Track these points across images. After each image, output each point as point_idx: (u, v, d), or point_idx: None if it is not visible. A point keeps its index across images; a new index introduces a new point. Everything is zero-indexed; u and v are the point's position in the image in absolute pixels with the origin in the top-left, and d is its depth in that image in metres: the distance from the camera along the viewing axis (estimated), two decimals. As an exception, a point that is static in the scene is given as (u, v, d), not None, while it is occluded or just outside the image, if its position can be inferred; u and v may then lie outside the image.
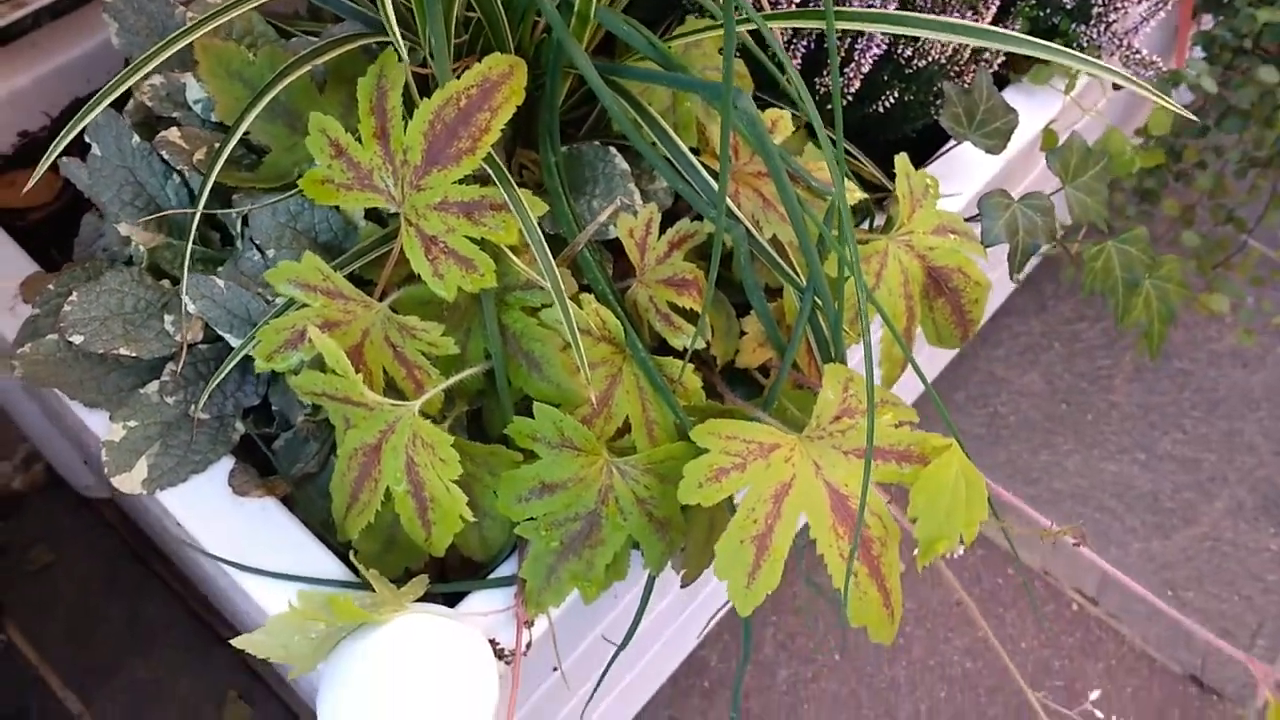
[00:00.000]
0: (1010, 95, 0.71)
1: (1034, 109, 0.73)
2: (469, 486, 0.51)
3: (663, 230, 0.53)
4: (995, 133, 0.63)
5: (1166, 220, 1.06)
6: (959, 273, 0.57)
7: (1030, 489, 1.09)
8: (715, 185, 0.50)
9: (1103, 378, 1.17)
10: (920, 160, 0.69)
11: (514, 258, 0.49)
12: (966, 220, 0.59)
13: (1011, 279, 0.62)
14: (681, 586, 0.58)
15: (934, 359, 1.08)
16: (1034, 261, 1.10)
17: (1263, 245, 1.21)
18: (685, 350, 0.51)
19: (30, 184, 0.53)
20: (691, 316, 0.53)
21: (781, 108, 0.59)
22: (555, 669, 0.60)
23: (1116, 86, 0.78)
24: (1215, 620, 1.02)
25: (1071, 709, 0.97)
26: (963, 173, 0.68)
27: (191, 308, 0.52)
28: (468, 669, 0.48)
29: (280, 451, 0.58)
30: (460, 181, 0.48)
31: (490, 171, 0.48)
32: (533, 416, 0.49)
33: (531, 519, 0.50)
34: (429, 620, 0.49)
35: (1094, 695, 0.61)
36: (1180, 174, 1.01)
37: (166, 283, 0.56)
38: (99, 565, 1.00)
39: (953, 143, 0.70)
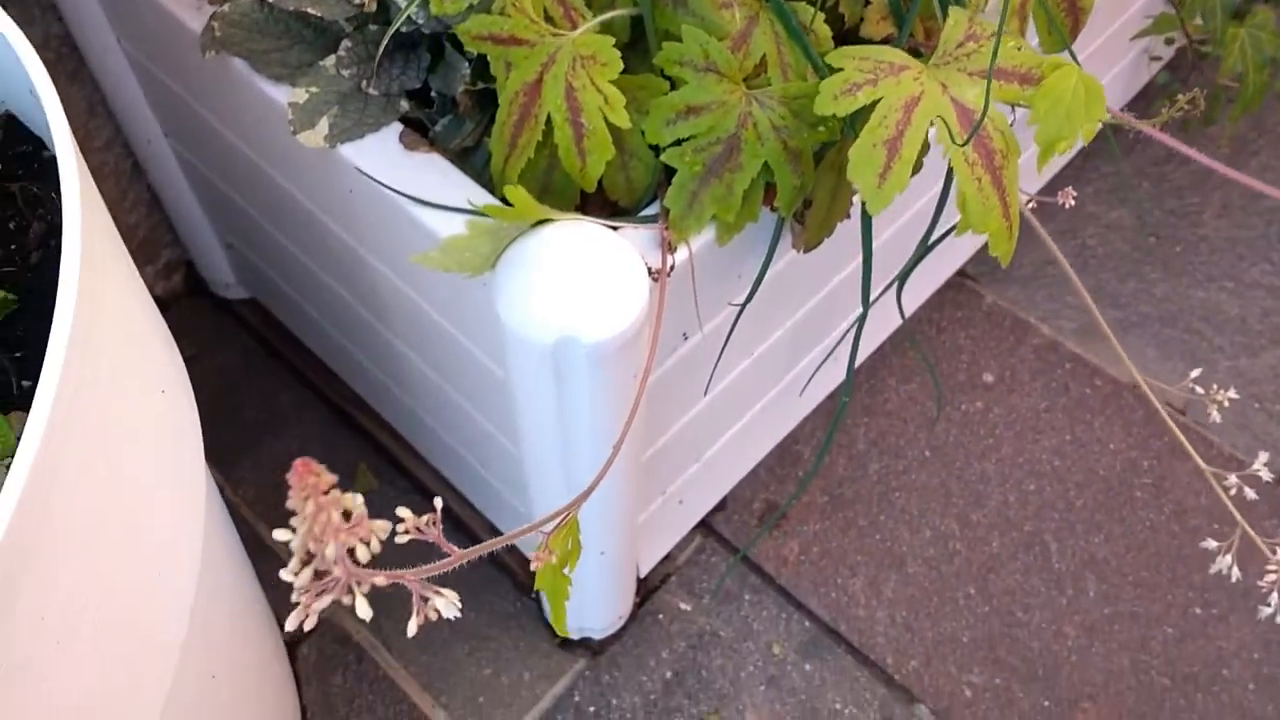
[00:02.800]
0: None
1: None
2: (616, 128, 0.57)
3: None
4: None
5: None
6: (1070, -45, 0.61)
7: (1118, 312, 1.12)
8: None
9: (1191, 213, 1.19)
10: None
11: (666, -100, 0.54)
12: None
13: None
14: (803, 251, 0.63)
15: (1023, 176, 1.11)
16: (1125, 100, 1.12)
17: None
18: (818, -5, 0.56)
19: None
20: (822, -22, 0.58)
21: None
22: (684, 334, 0.66)
23: None
24: (1304, 431, 1.04)
25: (1160, 504, 1.00)
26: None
27: (374, -36, 0.58)
28: (622, 268, 0.54)
29: (440, 133, 0.64)
30: None
31: None
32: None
33: (677, 143, 0.55)
34: (589, 225, 0.55)
35: (1263, 456, 0.64)
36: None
37: (345, -38, 0.62)
38: (236, 359, 1.07)
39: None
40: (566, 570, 0.50)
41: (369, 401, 0.99)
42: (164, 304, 1.11)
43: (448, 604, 0.31)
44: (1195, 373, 0.65)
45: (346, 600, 0.31)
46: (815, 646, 0.92)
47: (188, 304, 1.11)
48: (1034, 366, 1.08)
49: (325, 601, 0.31)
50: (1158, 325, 1.11)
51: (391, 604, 0.93)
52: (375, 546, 0.29)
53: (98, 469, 0.44)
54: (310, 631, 0.92)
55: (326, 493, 0.28)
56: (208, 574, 0.59)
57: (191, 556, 0.56)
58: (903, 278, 0.71)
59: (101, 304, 0.45)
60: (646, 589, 0.95)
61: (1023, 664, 0.91)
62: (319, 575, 0.31)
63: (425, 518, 0.35)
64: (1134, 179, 1.22)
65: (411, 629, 0.31)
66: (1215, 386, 0.63)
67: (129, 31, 0.78)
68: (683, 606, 0.94)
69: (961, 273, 1.14)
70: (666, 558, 0.96)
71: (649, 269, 0.56)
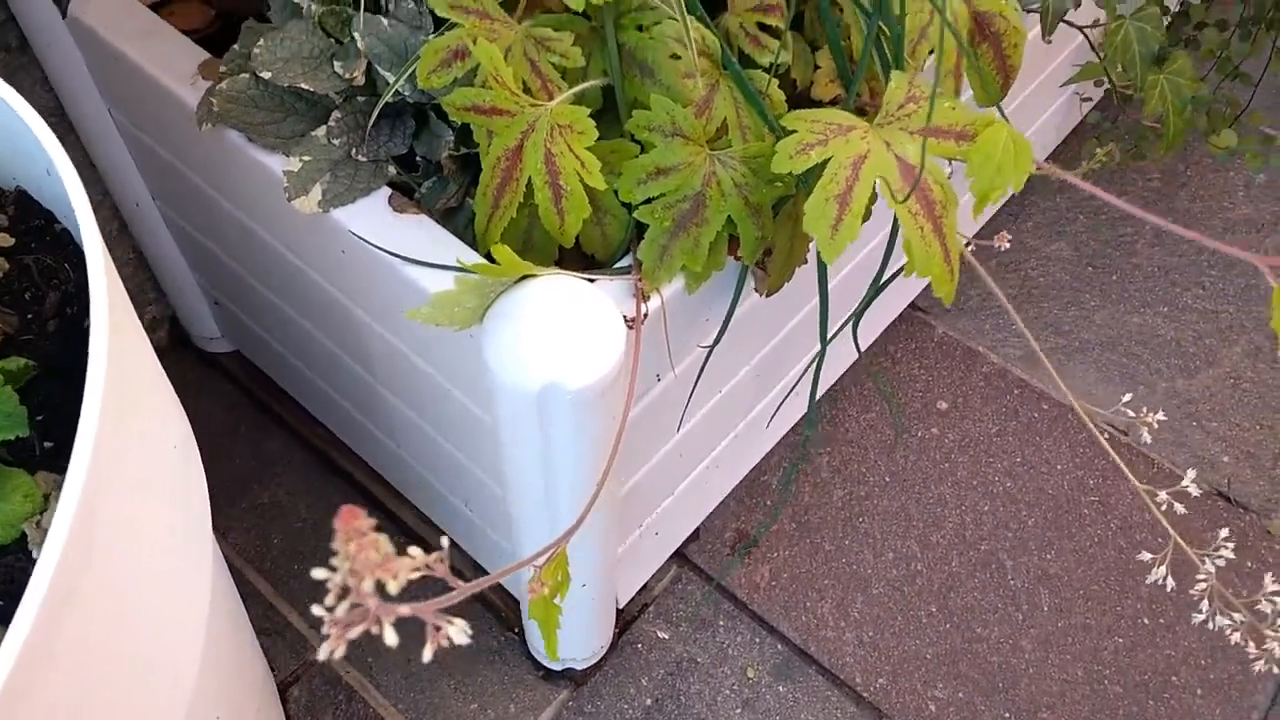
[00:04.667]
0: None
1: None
2: (592, 189, 0.62)
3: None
4: (1022, -71, 0.74)
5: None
6: (1000, 18, 0.67)
7: (1060, 339, 1.18)
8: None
9: (1125, 243, 1.26)
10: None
11: (631, -18, 0.60)
12: None
13: (1044, 39, 0.72)
14: (765, 295, 0.68)
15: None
16: (1058, 140, 1.20)
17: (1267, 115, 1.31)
18: (772, 65, 0.62)
19: None
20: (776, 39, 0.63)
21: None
22: (657, 376, 0.70)
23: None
24: (1239, 446, 1.11)
25: (1107, 519, 1.06)
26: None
27: (360, 43, 0.62)
28: (601, 318, 0.58)
29: (425, 195, 0.69)
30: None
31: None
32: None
33: (648, 201, 0.61)
34: (570, 279, 0.59)
35: (1191, 474, 0.70)
36: (1189, 40, 1.11)
37: (333, 40, 0.66)
38: (222, 410, 1.10)
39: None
40: (558, 600, 0.54)
41: (353, 447, 1.02)
42: (145, 359, 1.14)
43: (459, 631, 0.35)
44: (1127, 396, 0.71)
45: (375, 630, 0.35)
46: (788, 668, 0.97)
47: (173, 358, 1.14)
48: (984, 393, 1.14)
49: (357, 631, 0.34)
50: (1098, 350, 1.18)
51: (379, 646, 0.96)
52: (403, 580, 0.33)
53: (125, 520, 0.47)
54: (300, 674, 0.95)
55: (366, 535, 0.32)
56: (213, 620, 0.62)
57: (201, 602, 0.59)
58: (858, 315, 0.77)
59: (124, 367, 0.49)
60: (626, 619, 0.99)
61: (983, 677, 0.96)
62: (352, 607, 0.34)
63: (434, 555, 0.39)
64: (1070, 213, 1.29)
65: (427, 655, 0.35)
66: (1145, 409, 0.69)
67: (120, 102, 0.82)
68: (661, 635, 0.98)
69: (913, 306, 1.20)
70: (644, 588, 1.01)
71: (625, 318, 0.61)
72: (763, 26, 0.63)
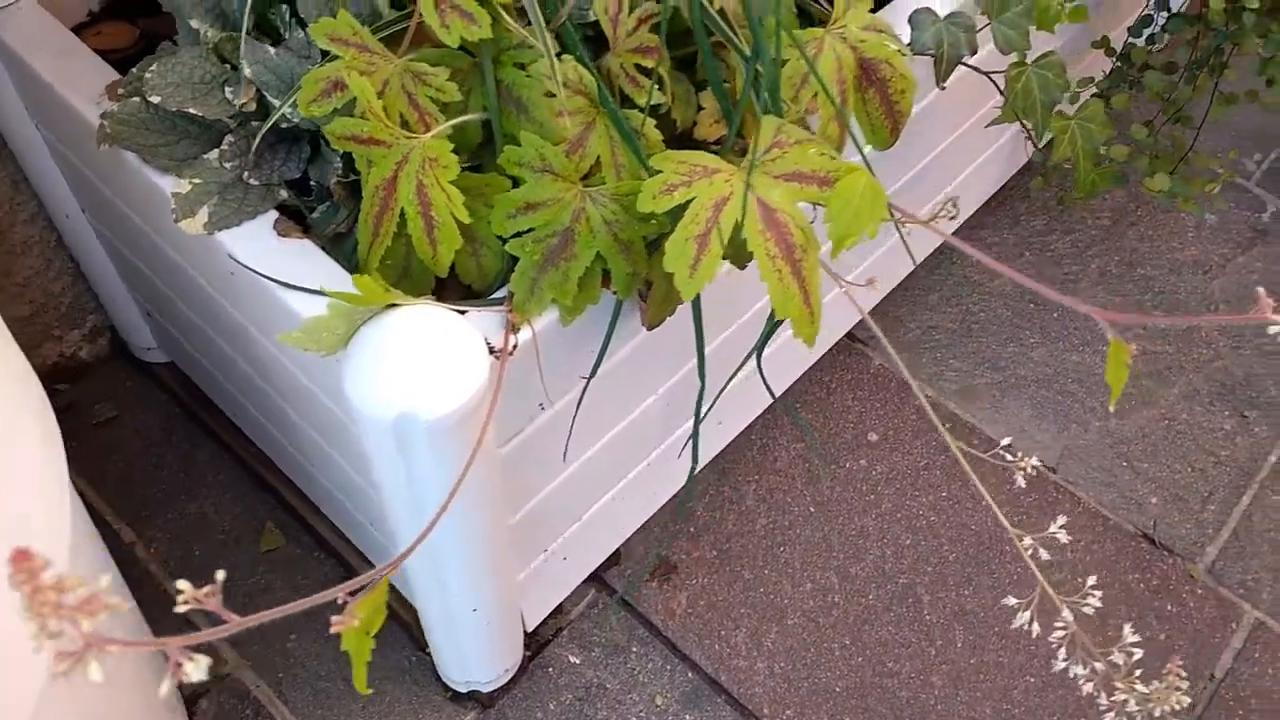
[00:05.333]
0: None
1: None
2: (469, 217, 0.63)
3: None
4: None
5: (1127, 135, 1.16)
6: (886, 64, 0.68)
7: (997, 375, 1.19)
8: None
9: (1069, 281, 1.26)
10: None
11: (509, 19, 0.61)
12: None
13: (938, 86, 0.73)
14: (648, 329, 0.69)
15: (903, 252, 1.18)
16: (1007, 175, 1.20)
17: (1209, 151, 1.31)
18: (646, 103, 0.63)
19: None
20: (658, 85, 0.64)
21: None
22: (541, 405, 0.71)
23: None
24: (1169, 488, 1.11)
25: (1027, 560, 1.06)
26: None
27: (248, 71, 0.64)
28: (462, 347, 0.59)
29: (318, 219, 0.70)
30: (465, -42, 0.60)
31: (489, -50, 0.60)
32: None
33: (518, 234, 0.61)
34: (434, 308, 0.60)
35: (1061, 520, 0.70)
36: (1133, 81, 1.12)
37: (228, 66, 0.68)
38: (156, 420, 1.12)
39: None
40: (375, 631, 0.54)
41: (275, 461, 1.03)
42: (90, 367, 1.15)
43: (198, 669, 0.35)
44: (1006, 440, 0.71)
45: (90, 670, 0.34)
46: (697, 697, 0.97)
47: (113, 366, 1.16)
48: (916, 426, 1.14)
49: (70, 664, 0.33)
50: (1034, 387, 1.18)
51: (290, 662, 0.97)
52: (103, 619, 0.33)
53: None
54: (210, 687, 0.96)
55: (40, 577, 0.32)
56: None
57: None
58: (758, 350, 0.77)
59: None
60: (540, 641, 0.99)
61: (891, 712, 0.96)
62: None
63: (205, 590, 0.39)
64: (1017, 248, 1.29)
65: (163, 690, 0.36)
66: (1021, 454, 0.69)
67: (44, 119, 0.83)
68: (572, 659, 0.99)
69: (851, 336, 1.20)
70: (560, 611, 1.01)
71: (491, 347, 0.62)
72: (640, 68, 0.64)
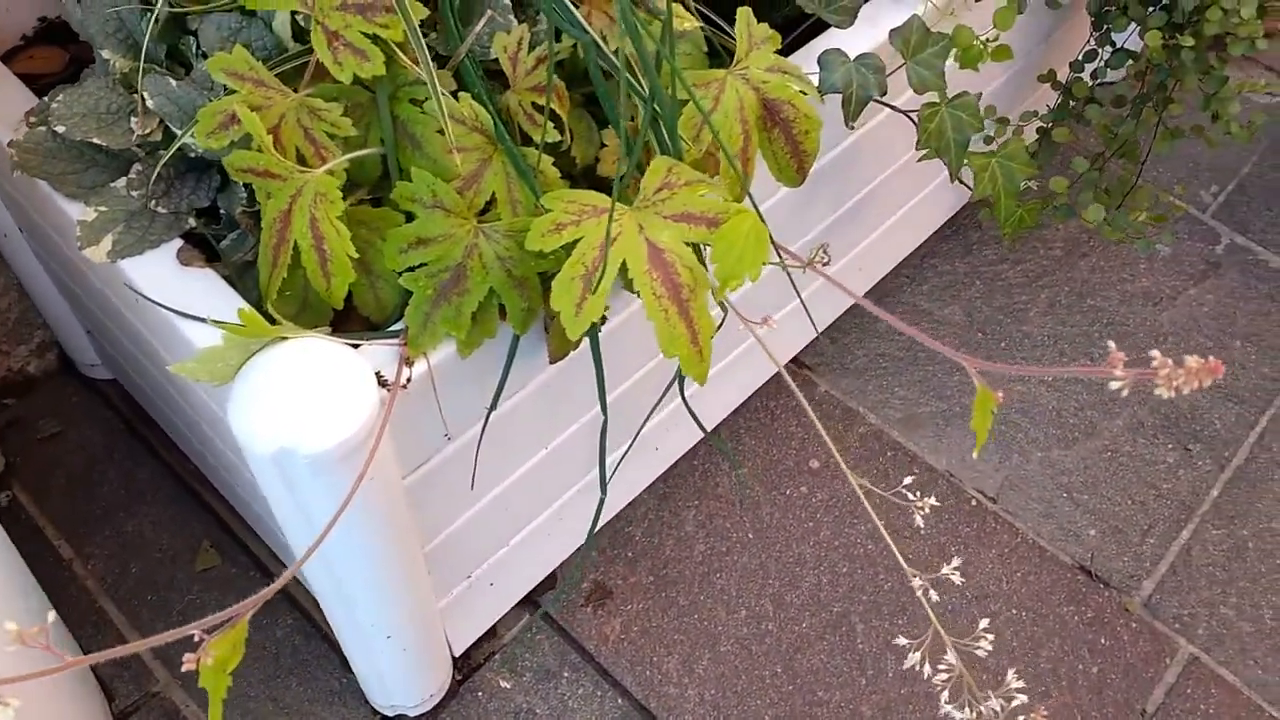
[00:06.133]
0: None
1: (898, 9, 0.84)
2: (365, 250, 0.63)
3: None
4: (843, 9, 0.75)
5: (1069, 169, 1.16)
6: (790, 105, 0.68)
7: (942, 404, 1.19)
8: (574, 10, 0.62)
9: (1018, 311, 1.26)
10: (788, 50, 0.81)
11: (403, 56, 0.61)
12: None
13: (847, 125, 0.73)
14: (551, 362, 0.69)
15: (850, 282, 1.18)
16: (960, 204, 1.20)
17: (1156, 185, 1.31)
18: (541, 140, 0.63)
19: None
20: (555, 123, 0.65)
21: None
22: (446, 436, 0.71)
23: None
24: (1108, 520, 1.11)
25: (964, 589, 1.06)
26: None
27: (150, 103, 0.64)
28: (349, 381, 0.59)
29: (226, 247, 0.70)
30: (361, -6, 0.60)
31: (385, -12, 0.60)
32: (414, 186, 0.61)
33: (412, 269, 0.62)
34: (322, 341, 0.61)
35: (956, 562, 0.71)
36: (1077, 115, 1.12)
37: (136, 96, 0.68)
38: (99, 436, 1.12)
39: (823, 34, 0.81)
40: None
41: (210, 480, 1.04)
42: (38, 382, 1.16)
43: (7, 714, 0.36)
44: (907, 480, 0.71)
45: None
46: (625, 723, 0.97)
47: (58, 381, 1.16)
48: (858, 453, 1.14)
49: None
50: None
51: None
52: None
53: None
54: (140, 705, 0.96)
55: None
56: None
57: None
58: (679, 380, 0.78)
59: None
60: (471, 665, 1.00)
61: (818, 742, 0.96)
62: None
63: (35, 629, 0.40)
64: (968, 278, 1.29)
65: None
66: (919, 494, 0.69)
67: (-28, 140, 0.84)
68: (503, 684, 0.99)
69: (798, 362, 1.20)
70: (492, 634, 1.01)
71: (383, 380, 0.62)
72: (537, 105, 0.64)
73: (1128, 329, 1.25)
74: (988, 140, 0.80)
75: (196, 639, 0.47)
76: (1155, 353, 0.47)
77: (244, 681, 0.97)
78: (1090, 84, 1.09)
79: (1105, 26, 1.06)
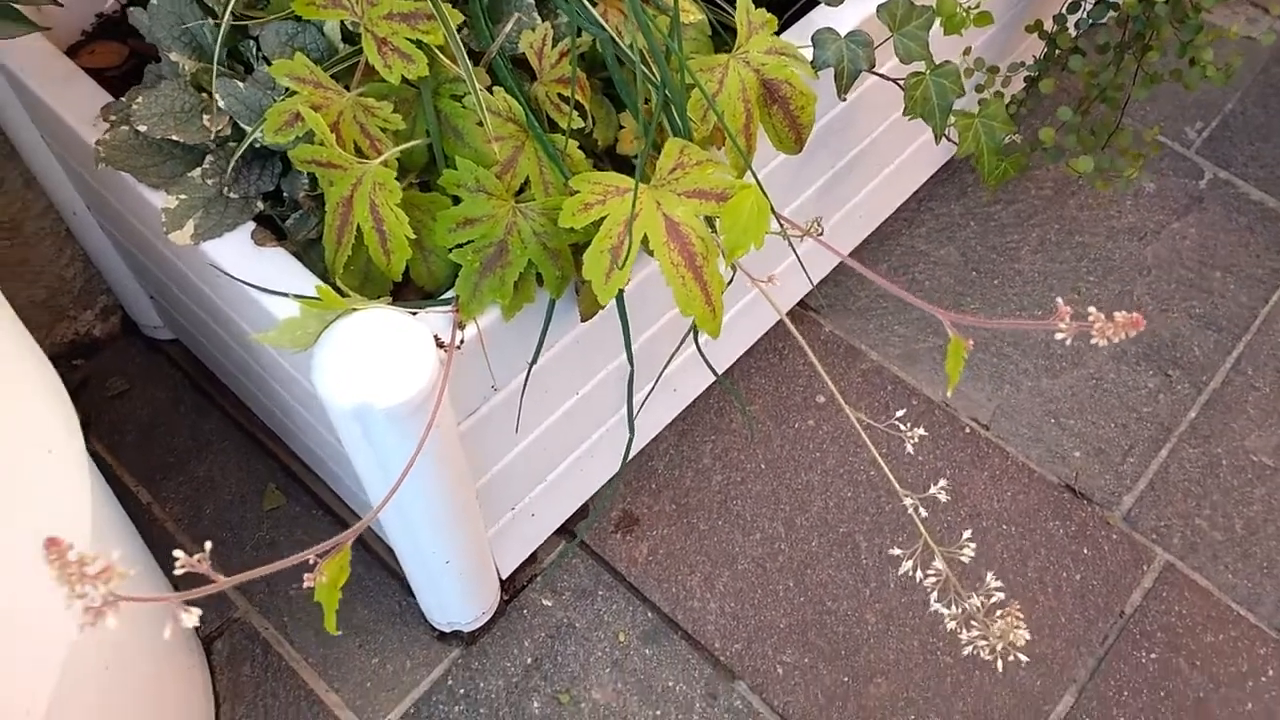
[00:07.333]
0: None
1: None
2: (418, 229, 0.72)
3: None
4: (833, -11, 0.82)
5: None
6: (787, 84, 0.77)
7: (938, 339, 1.28)
8: (591, 9, 0.70)
9: (1010, 249, 1.35)
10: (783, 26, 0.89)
11: (444, 58, 0.70)
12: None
13: (840, 98, 0.81)
14: (582, 320, 0.79)
15: (851, 228, 1.27)
16: (948, 150, 1.28)
17: (1136, 123, 1.38)
18: (567, 127, 0.72)
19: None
20: (579, 110, 0.73)
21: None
22: (494, 387, 0.81)
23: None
24: (1092, 442, 1.20)
25: (958, 507, 1.16)
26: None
27: (221, 103, 0.73)
28: (414, 344, 0.69)
29: (291, 226, 0.79)
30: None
31: (427, -3, 0.69)
32: (459, 172, 0.70)
33: (460, 245, 0.71)
34: (388, 311, 0.70)
35: (941, 483, 0.80)
36: (1059, 60, 1.19)
37: (205, 95, 0.77)
38: (165, 393, 1.23)
39: (816, 8, 0.89)
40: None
41: (274, 430, 1.14)
42: (104, 343, 1.26)
43: (192, 617, 0.46)
44: (900, 412, 0.80)
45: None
46: (655, 634, 1.08)
47: (123, 343, 1.27)
48: (861, 388, 1.24)
49: (93, 618, 0.44)
50: (973, 351, 1.27)
51: (293, 607, 1.09)
52: (115, 584, 0.43)
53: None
54: (224, 629, 1.08)
55: (68, 556, 0.42)
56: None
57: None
58: (694, 332, 0.87)
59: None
60: (516, 587, 1.11)
61: (828, 645, 1.07)
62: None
63: (196, 556, 0.50)
64: (963, 219, 1.37)
65: (167, 634, 0.46)
66: (915, 424, 0.79)
67: (46, 133, 0.93)
68: (545, 602, 1.10)
69: (804, 305, 1.29)
70: (533, 559, 1.12)
71: (440, 342, 0.72)
72: (563, 96, 0.72)
73: (1113, 263, 1.33)
74: (979, 89, 0.88)
75: (311, 562, 0.58)
76: (1092, 309, 0.55)
77: (314, 606, 1.09)
78: (1074, 35, 1.15)
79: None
